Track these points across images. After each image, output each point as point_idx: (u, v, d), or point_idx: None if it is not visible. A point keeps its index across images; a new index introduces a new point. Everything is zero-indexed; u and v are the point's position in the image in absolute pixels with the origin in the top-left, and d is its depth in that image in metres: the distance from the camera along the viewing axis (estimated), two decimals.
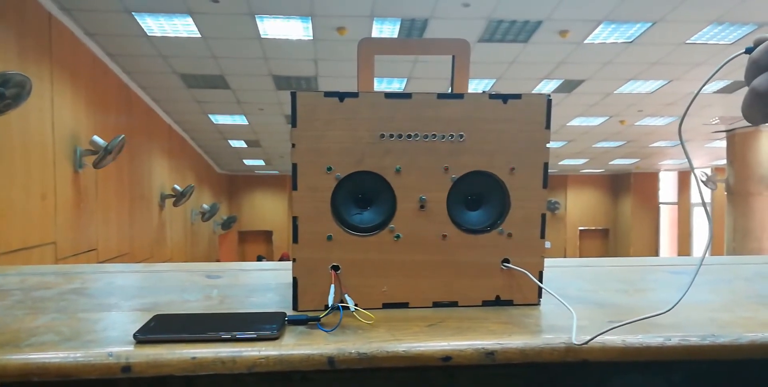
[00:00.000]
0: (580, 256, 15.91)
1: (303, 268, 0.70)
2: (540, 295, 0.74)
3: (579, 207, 17.16)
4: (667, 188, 16.16)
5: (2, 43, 3.70)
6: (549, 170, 0.74)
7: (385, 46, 0.79)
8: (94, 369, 0.53)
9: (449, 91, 0.76)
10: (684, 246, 15.19)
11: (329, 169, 0.69)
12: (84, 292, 0.80)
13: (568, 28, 4.96)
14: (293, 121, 0.68)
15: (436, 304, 0.73)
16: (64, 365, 0.53)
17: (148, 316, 0.64)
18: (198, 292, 0.81)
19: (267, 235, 16.08)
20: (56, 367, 0.53)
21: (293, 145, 0.68)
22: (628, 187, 16.40)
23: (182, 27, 4.89)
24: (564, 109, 8.02)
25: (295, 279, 0.70)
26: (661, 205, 16.23)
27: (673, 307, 0.57)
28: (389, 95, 0.69)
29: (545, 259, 0.75)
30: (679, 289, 0.59)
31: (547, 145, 0.73)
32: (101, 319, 0.66)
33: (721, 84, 6.69)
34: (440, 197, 0.72)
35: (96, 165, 4.94)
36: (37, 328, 0.62)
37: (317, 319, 0.63)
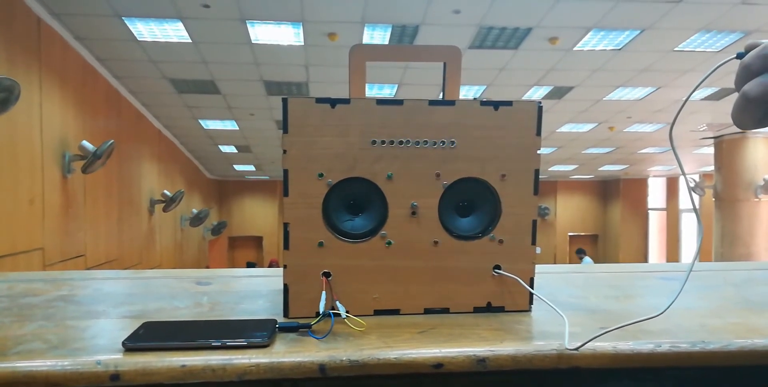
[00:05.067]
0: (569, 262, 15.98)
1: (294, 275, 0.69)
2: (531, 302, 0.74)
3: (569, 213, 17.24)
4: (656, 194, 16.28)
5: None
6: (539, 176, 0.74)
7: (377, 52, 0.79)
8: (82, 377, 0.52)
9: (440, 97, 0.76)
10: (672, 252, 15.30)
11: (321, 175, 0.69)
12: (72, 299, 0.79)
13: (558, 35, 5.00)
14: (284, 127, 0.68)
15: (428, 311, 0.72)
16: (51, 374, 0.52)
17: (137, 324, 0.64)
18: (188, 298, 0.80)
19: (257, 241, 16.00)
20: (44, 375, 0.52)
21: (284, 151, 0.68)
22: (617, 193, 16.50)
23: (173, 32, 4.87)
24: (553, 115, 8.07)
25: (286, 286, 0.69)
26: (649, 211, 16.35)
27: (665, 310, 0.57)
28: (381, 101, 0.69)
29: (536, 266, 0.75)
30: (669, 295, 0.59)
31: (538, 152, 0.73)
32: (89, 327, 0.65)
33: (709, 91, 6.76)
34: (432, 204, 0.72)
35: (85, 170, 4.90)
36: (24, 335, 0.61)
37: (308, 326, 0.63)
